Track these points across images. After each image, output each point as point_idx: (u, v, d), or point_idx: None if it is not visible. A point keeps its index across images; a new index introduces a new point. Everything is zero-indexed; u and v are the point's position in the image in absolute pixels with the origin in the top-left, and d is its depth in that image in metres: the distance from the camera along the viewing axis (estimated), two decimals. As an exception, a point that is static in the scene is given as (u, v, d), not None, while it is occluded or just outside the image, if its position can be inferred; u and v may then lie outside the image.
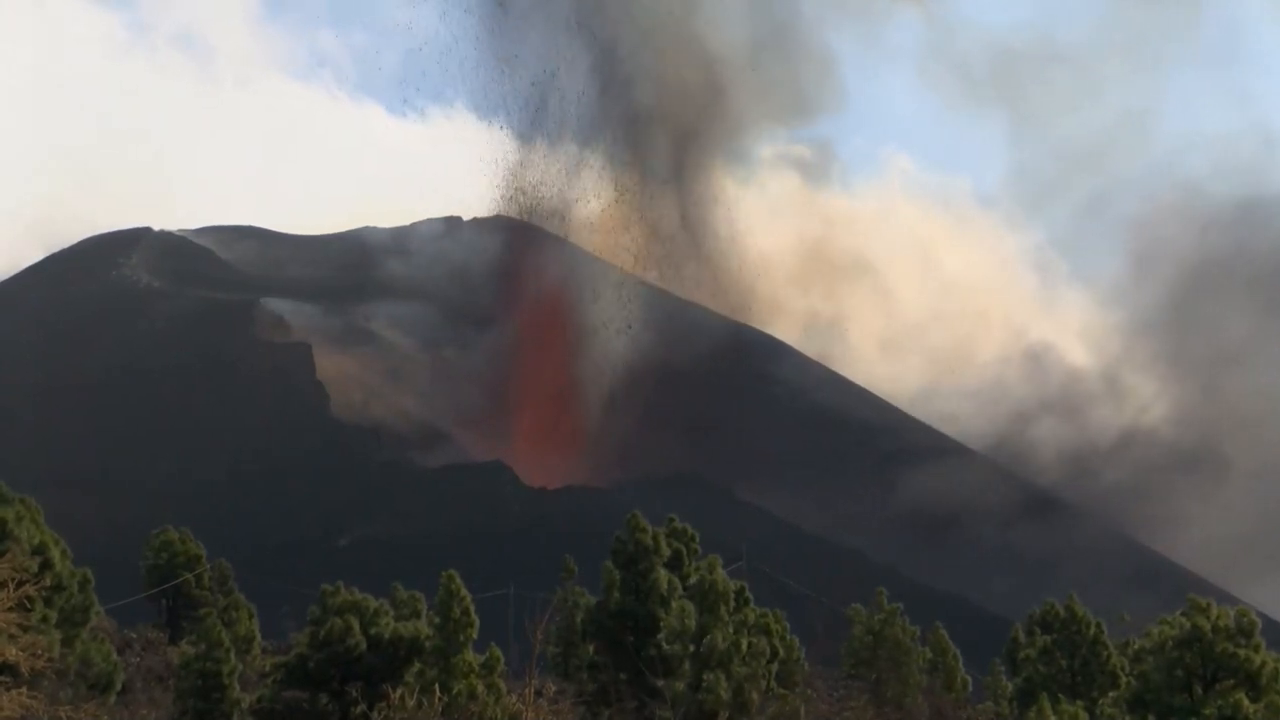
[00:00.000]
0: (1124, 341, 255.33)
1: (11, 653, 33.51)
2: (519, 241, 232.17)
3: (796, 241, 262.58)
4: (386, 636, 43.49)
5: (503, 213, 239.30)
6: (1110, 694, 45.75)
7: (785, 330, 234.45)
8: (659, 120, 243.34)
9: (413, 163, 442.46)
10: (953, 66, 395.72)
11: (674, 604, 41.73)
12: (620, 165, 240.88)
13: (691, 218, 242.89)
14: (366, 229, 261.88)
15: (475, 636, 41.65)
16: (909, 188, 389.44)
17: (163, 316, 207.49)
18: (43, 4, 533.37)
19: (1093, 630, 50.29)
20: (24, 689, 34.59)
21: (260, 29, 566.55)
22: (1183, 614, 38.99)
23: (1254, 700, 37.25)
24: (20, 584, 33.93)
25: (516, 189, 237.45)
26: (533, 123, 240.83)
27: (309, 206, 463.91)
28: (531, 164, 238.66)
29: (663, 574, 43.66)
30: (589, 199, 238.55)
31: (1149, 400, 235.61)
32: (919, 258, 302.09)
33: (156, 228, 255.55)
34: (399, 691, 40.59)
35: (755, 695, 40.43)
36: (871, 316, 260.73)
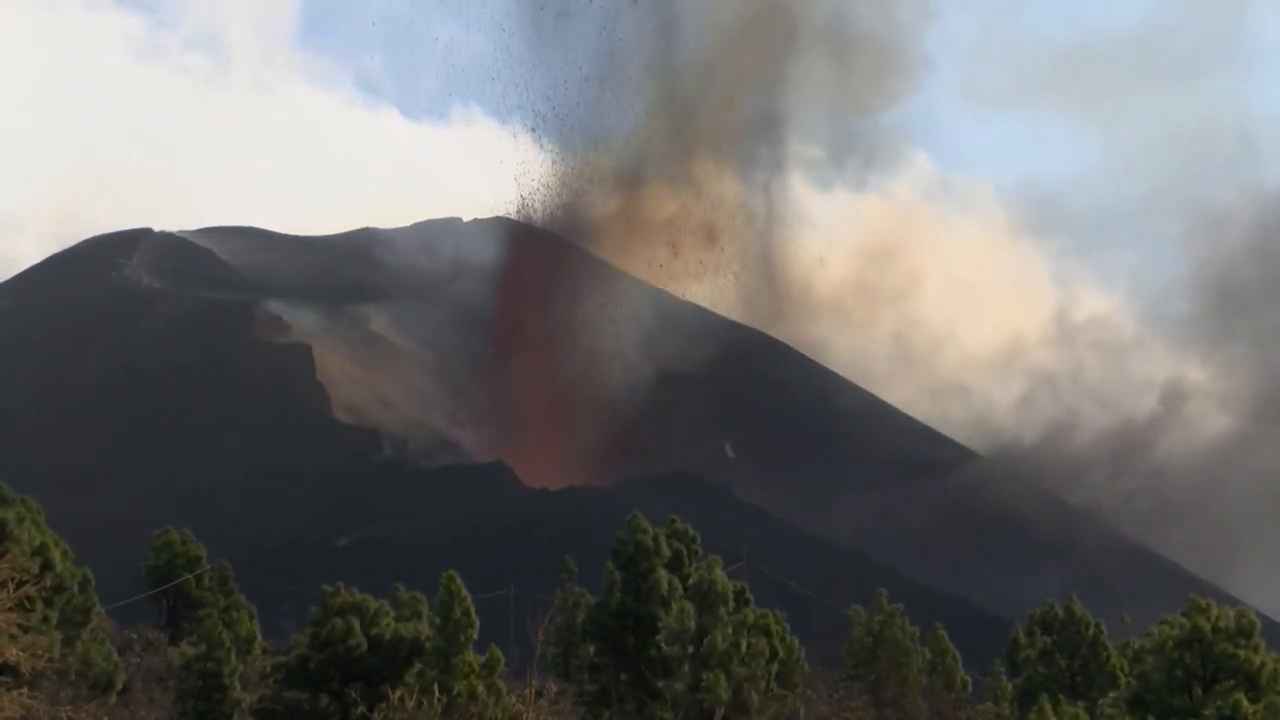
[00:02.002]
0: (1166, 342, 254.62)
1: (12, 653, 33.54)
2: (519, 242, 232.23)
3: (814, 244, 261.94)
4: (387, 637, 43.56)
5: (509, 214, 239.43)
6: (1110, 694, 45.79)
7: (791, 333, 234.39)
8: (673, 122, 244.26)
9: (429, 167, 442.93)
10: (1001, 65, 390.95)
11: (674, 605, 41.75)
12: (631, 166, 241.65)
13: (702, 219, 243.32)
14: (366, 230, 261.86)
15: (476, 637, 41.68)
16: (930, 188, 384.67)
17: (163, 317, 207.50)
18: (73, 6, 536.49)
19: (1092, 631, 50.29)
20: (25, 689, 34.62)
21: (285, 39, 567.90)
22: (1183, 614, 38.99)
23: (1254, 701, 37.25)
24: (21, 584, 33.97)
25: (526, 192, 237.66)
26: (547, 125, 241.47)
27: (321, 209, 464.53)
28: (541, 166, 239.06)
29: (663, 575, 43.69)
30: (594, 200, 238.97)
31: (1175, 406, 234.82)
32: (941, 261, 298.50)
33: (157, 228, 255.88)
34: (399, 692, 40.63)
35: (755, 696, 40.46)
36: (890, 320, 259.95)
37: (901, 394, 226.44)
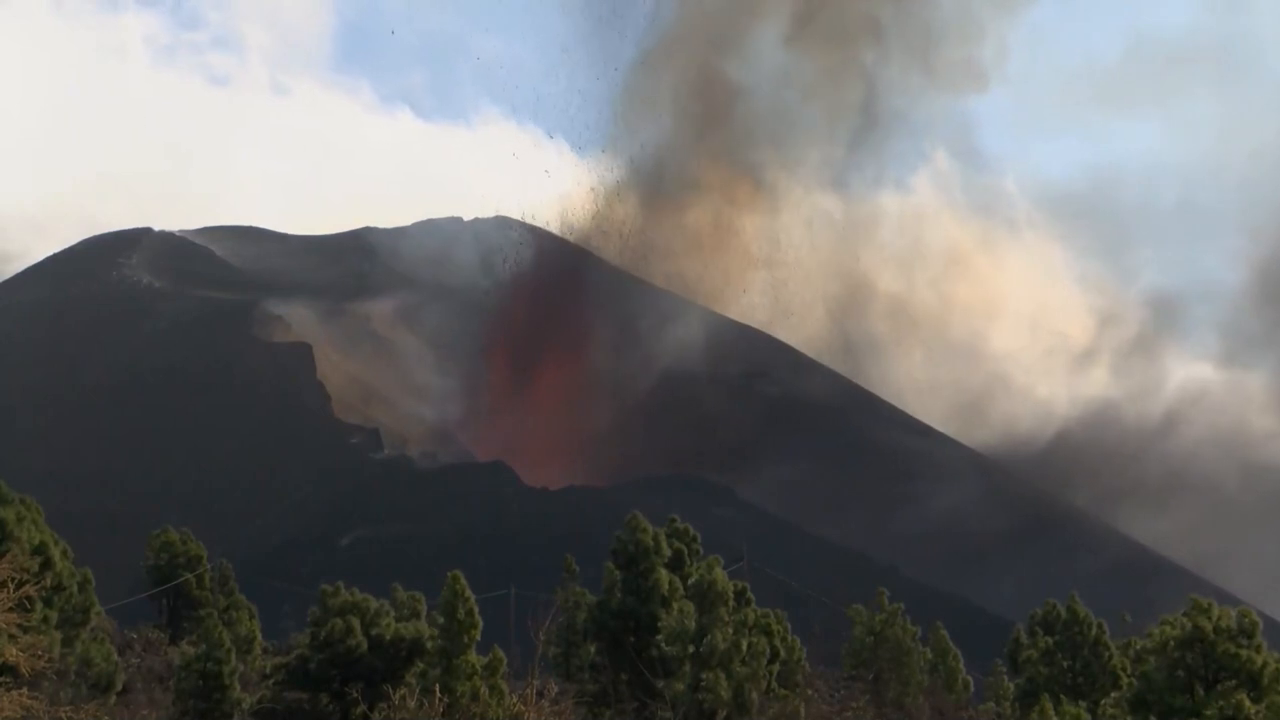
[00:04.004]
0: (1192, 342, 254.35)
1: (12, 653, 33.46)
2: (521, 242, 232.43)
3: (828, 247, 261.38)
4: (387, 637, 43.51)
5: (509, 214, 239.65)
6: (1112, 694, 45.66)
7: (795, 332, 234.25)
8: (685, 126, 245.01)
9: (444, 169, 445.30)
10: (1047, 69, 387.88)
11: (674, 604, 41.67)
12: (638, 166, 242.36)
13: (705, 221, 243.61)
14: (367, 229, 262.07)
15: (479, 637, 41.62)
16: (948, 189, 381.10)
17: (163, 317, 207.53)
18: (88, 7, 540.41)
19: (1094, 631, 50.16)
20: (24, 690, 34.53)
21: (305, 43, 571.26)
22: (1184, 614, 38.88)
23: (1255, 701, 37.13)
24: (20, 584, 33.88)
25: (533, 193, 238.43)
26: (555, 126, 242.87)
27: (328, 210, 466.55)
28: (556, 167, 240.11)
29: (663, 574, 43.61)
30: (598, 200, 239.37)
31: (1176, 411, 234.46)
32: (959, 265, 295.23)
33: (157, 228, 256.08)
34: (400, 692, 40.57)
35: (755, 696, 40.35)
36: (906, 319, 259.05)
37: (913, 395, 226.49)
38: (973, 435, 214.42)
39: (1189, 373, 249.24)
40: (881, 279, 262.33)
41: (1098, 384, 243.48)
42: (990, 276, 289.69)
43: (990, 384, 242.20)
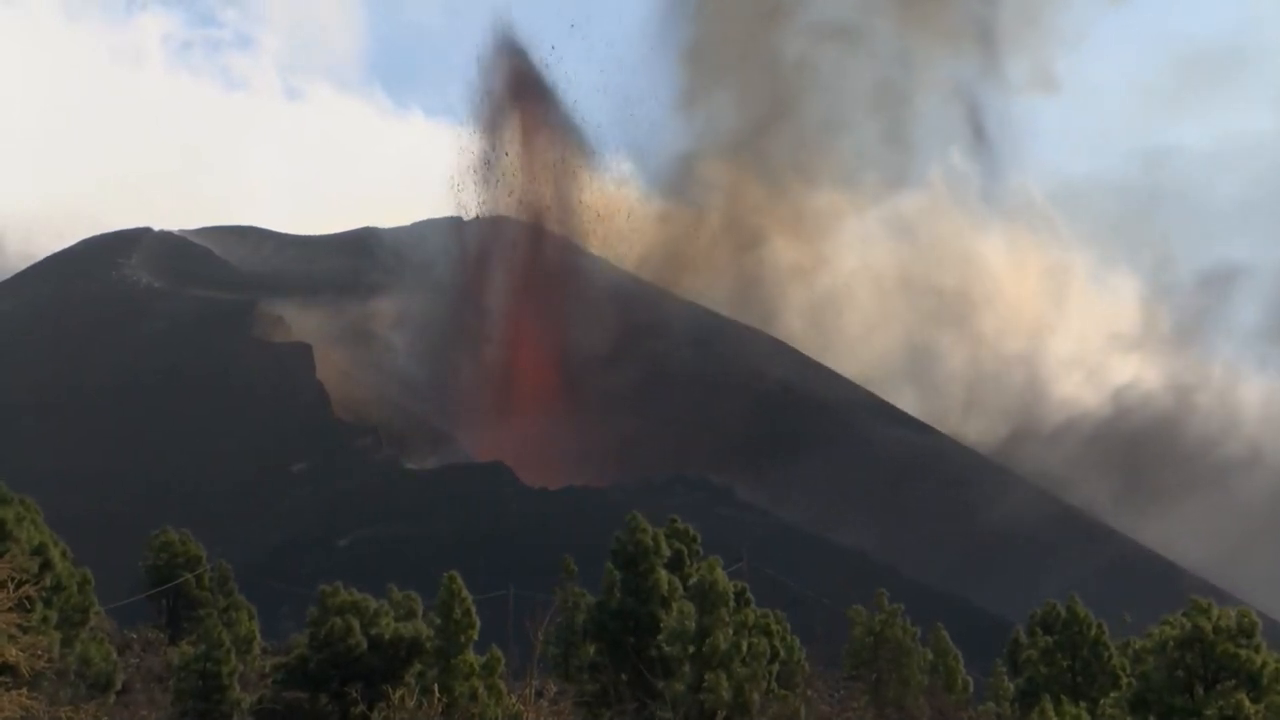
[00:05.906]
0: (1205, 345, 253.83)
1: (11, 653, 33.41)
2: (520, 242, 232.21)
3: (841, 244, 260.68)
4: (387, 637, 43.53)
5: (511, 215, 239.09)
6: (1112, 694, 45.65)
7: (793, 331, 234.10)
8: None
9: (445, 167, 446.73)
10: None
11: (674, 605, 41.67)
12: (644, 167, 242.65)
13: (697, 220, 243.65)
14: (367, 229, 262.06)
15: (476, 638, 41.61)
16: (969, 184, 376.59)
17: (163, 317, 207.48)
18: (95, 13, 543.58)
19: (1094, 631, 50.14)
20: (23, 690, 34.51)
21: (314, 46, 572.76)
22: (1184, 614, 38.89)
23: (1255, 701, 37.14)
24: (20, 584, 33.84)
25: (539, 191, 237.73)
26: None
27: (334, 210, 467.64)
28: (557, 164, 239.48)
29: (663, 575, 43.61)
30: (601, 199, 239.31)
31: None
32: (975, 263, 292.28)
33: (156, 228, 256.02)
34: (399, 692, 40.58)
35: (755, 696, 40.34)
36: (906, 318, 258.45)
37: (918, 397, 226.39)
38: (977, 434, 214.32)
39: (1218, 373, 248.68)
40: (890, 276, 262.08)
41: (1111, 382, 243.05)
42: (1005, 275, 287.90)
43: (997, 382, 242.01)
